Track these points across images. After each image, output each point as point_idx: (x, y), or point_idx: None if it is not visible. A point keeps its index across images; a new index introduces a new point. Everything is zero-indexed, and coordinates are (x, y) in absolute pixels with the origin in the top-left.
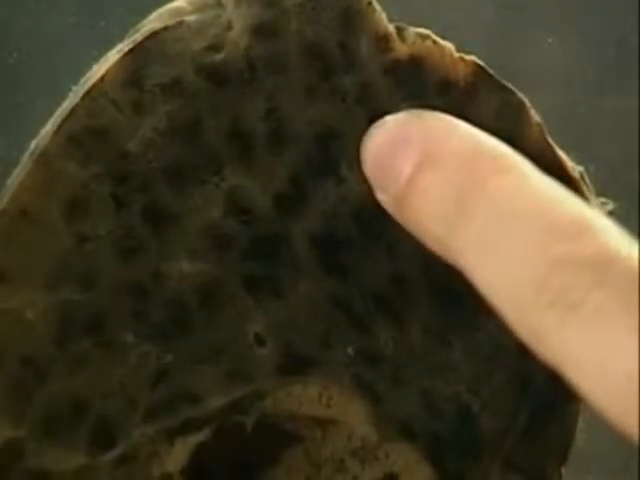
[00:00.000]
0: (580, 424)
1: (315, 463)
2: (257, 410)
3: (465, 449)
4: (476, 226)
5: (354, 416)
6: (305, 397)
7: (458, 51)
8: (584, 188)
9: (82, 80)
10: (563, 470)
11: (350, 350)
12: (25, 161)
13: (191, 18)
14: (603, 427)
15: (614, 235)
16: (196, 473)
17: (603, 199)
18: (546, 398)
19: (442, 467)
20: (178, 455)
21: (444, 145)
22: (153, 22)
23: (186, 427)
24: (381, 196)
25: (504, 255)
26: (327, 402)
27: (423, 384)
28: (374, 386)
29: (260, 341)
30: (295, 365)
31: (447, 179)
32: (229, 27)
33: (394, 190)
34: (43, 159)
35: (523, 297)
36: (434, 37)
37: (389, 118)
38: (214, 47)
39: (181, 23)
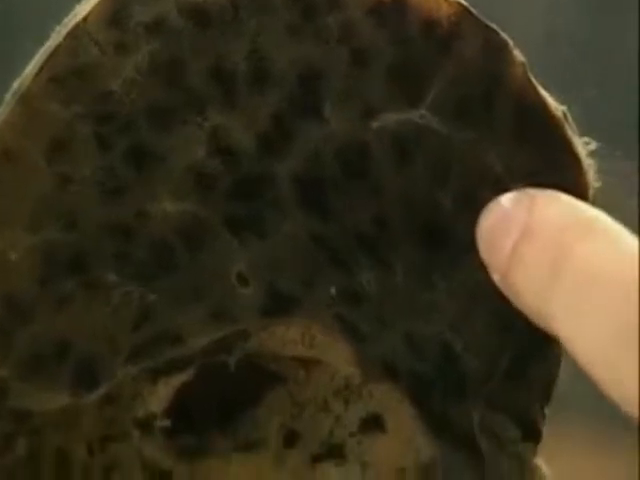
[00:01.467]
0: (563, 365)
1: (298, 403)
2: (240, 350)
3: (448, 389)
4: (565, 291)
5: (337, 356)
6: (288, 337)
7: None
8: (567, 128)
9: (65, 20)
10: (546, 410)
11: (333, 290)
12: (8, 101)
13: None
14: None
15: None
16: (179, 413)
17: (586, 139)
18: (528, 339)
19: (425, 407)
20: (161, 395)
21: (542, 216)
22: None
23: (169, 367)
24: (494, 276)
25: (589, 319)
26: (310, 342)
27: (406, 324)
28: (357, 326)
29: (243, 281)
30: (278, 305)
31: (542, 248)
32: None
33: (499, 265)
34: (25, 99)
35: (611, 359)
36: None
37: (501, 197)
38: None
39: None
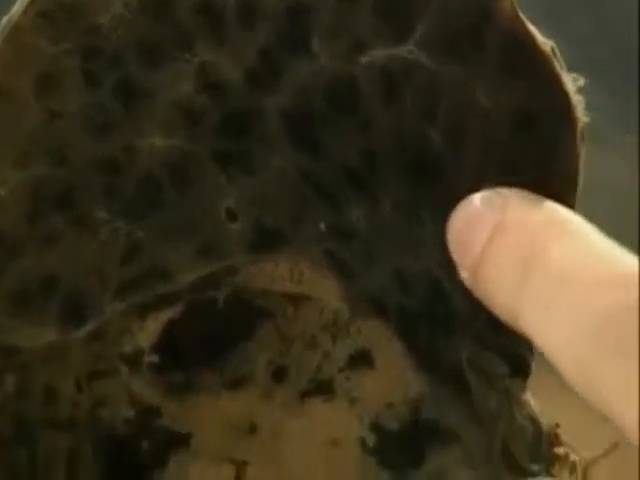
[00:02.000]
0: None
1: (286, 339)
2: (229, 286)
3: (436, 325)
4: (535, 289)
5: (325, 292)
6: (276, 274)
7: None
8: (555, 63)
9: None
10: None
11: (322, 226)
12: None
13: None
14: None
15: None
16: (168, 349)
17: (574, 74)
18: None
19: (413, 343)
20: (150, 331)
21: (516, 216)
22: None
23: (158, 303)
24: (462, 273)
25: (558, 317)
26: (298, 278)
27: (395, 260)
28: (345, 262)
29: (232, 216)
30: (266, 241)
31: (515, 247)
32: None
33: (469, 263)
34: (13, 34)
35: (579, 353)
36: None
37: (472, 196)
38: None
39: None
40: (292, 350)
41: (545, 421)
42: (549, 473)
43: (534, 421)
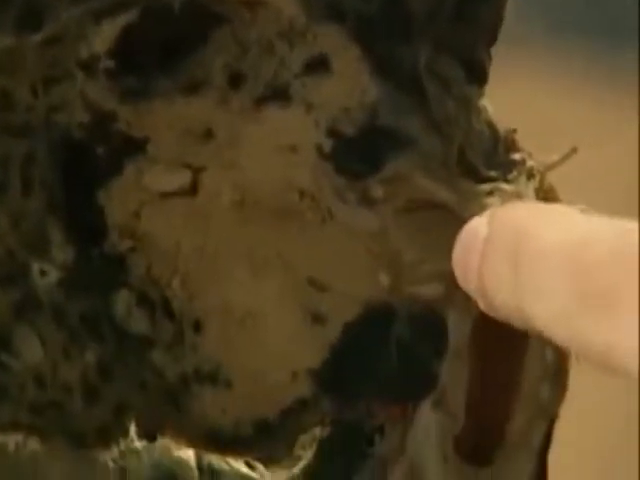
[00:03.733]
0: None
1: (242, 43)
2: None
3: (394, 29)
4: (527, 276)
5: None
6: None
7: None
8: None
9: None
10: (492, 51)
11: None
12: None
13: None
14: None
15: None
16: (123, 55)
17: None
18: None
19: (371, 48)
20: (105, 36)
21: (500, 222)
22: None
23: (113, 8)
24: (480, 303)
25: (545, 283)
26: None
27: None
28: None
29: None
30: None
31: (502, 246)
32: None
33: (475, 284)
34: None
35: (566, 307)
36: None
37: (468, 223)
38: None
39: None
40: (248, 55)
41: (502, 127)
42: (506, 179)
43: (491, 126)
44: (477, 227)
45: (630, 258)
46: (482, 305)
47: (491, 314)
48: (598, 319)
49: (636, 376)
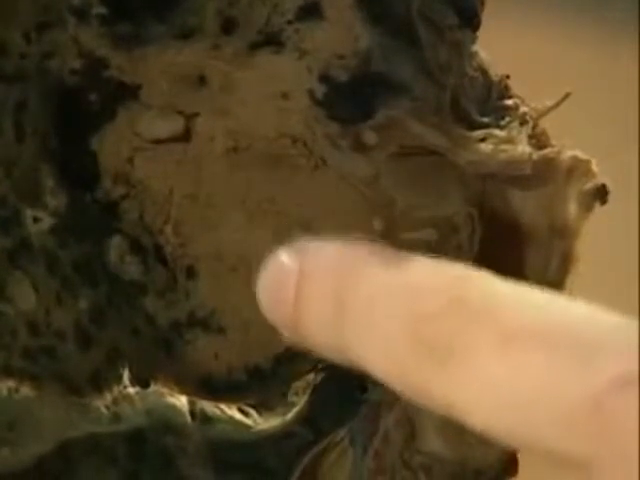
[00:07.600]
0: None
1: None
2: None
3: None
4: (353, 316)
5: None
6: None
7: None
8: None
9: None
10: None
11: None
12: None
13: None
14: None
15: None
16: (116, 1)
17: None
18: None
19: None
20: None
21: (315, 258)
22: None
23: None
24: (285, 333)
25: (378, 329)
26: None
27: None
28: None
29: None
30: None
31: (322, 285)
32: None
33: (286, 319)
34: None
35: (402, 358)
36: None
37: (276, 253)
38: None
39: None
40: (241, 2)
41: (495, 72)
42: (499, 125)
43: (484, 72)
44: (287, 258)
45: (468, 309)
46: (288, 335)
47: (300, 345)
48: (435, 370)
49: (482, 430)
